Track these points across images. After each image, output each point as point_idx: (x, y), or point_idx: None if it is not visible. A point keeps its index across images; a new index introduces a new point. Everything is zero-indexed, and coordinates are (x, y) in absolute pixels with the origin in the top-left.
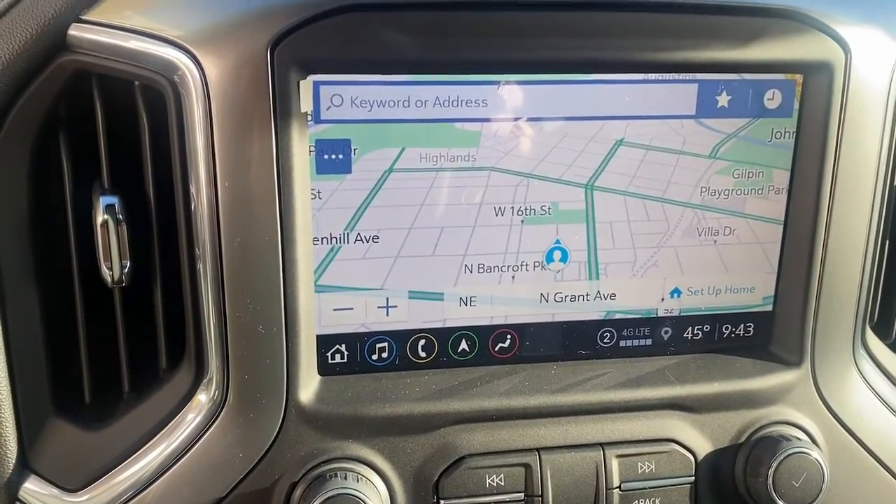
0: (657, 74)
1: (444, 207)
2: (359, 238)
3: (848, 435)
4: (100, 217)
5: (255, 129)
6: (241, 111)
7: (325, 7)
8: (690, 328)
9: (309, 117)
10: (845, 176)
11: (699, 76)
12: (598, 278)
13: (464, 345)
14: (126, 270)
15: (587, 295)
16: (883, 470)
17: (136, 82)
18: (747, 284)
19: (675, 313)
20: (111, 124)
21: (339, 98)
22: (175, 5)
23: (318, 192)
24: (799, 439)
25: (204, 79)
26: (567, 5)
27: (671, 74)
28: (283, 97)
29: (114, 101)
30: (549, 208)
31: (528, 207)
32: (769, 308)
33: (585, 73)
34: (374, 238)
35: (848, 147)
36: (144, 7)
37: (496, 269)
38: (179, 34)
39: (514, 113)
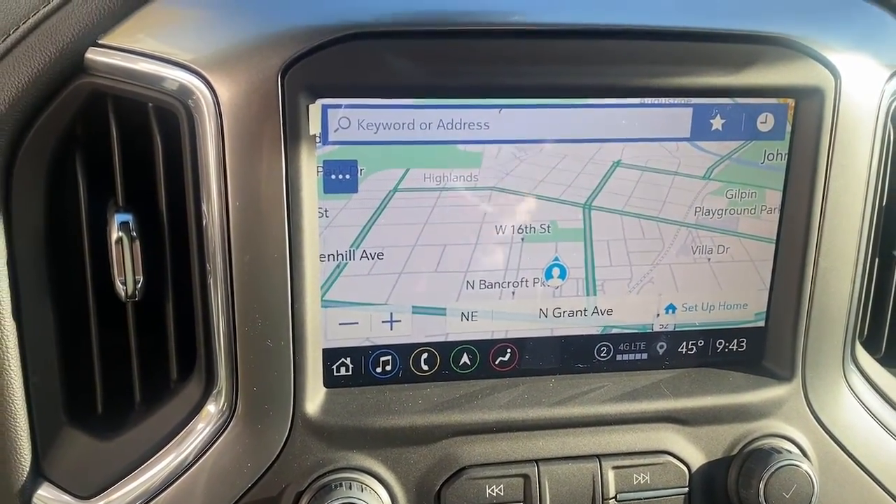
0: (653, 99)
1: (446, 226)
2: (364, 255)
3: (838, 448)
4: (114, 234)
5: (265, 150)
6: (252, 133)
7: (334, 35)
8: (685, 343)
9: (317, 139)
10: (836, 196)
11: (694, 101)
12: (595, 294)
13: (465, 358)
14: (139, 286)
15: (585, 310)
16: (872, 482)
17: (150, 104)
18: (740, 301)
19: (670, 328)
20: (126, 143)
21: (346, 121)
22: (189, 31)
23: (326, 211)
24: (790, 452)
25: (216, 102)
26: (566, 34)
27: (667, 99)
28: (292, 120)
29: (129, 121)
30: (548, 227)
31: (529, 226)
32: (761, 324)
33: (584, 97)
34: (380, 255)
35: (838, 168)
36: (159, 32)
37: (497, 285)
38: (193, 59)
39: (514, 135)
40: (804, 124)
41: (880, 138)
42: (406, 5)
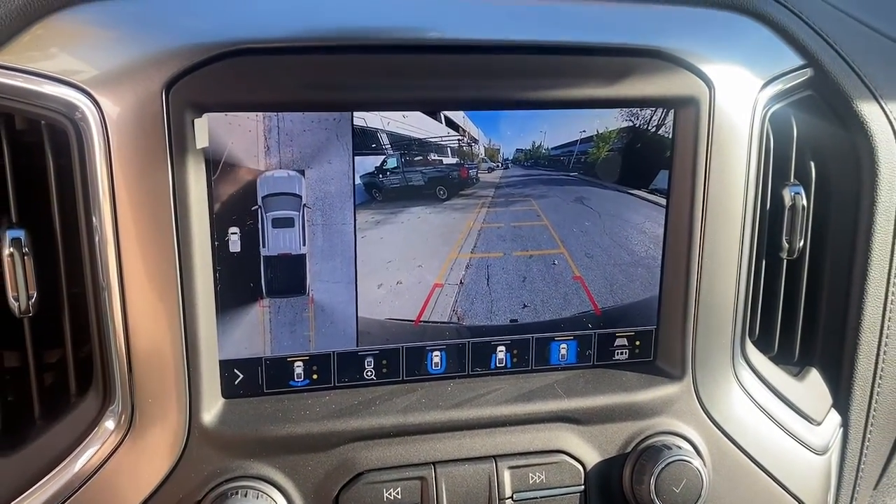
0: None
1: None
2: None
3: (729, 442)
4: (6, 250)
5: (151, 165)
6: (138, 149)
7: (215, 51)
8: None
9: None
10: (715, 201)
11: None
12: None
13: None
14: (33, 301)
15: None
16: (763, 474)
17: (43, 121)
18: None
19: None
20: (22, 159)
21: None
22: (76, 49)
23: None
24: (680, 448)
25: (103, 118)
26: (450, 49)
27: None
28: (178, 135)
29: (23, 138)
30: None
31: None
32: (653, 326)
33: (469, 109)
34: None
35: (716, 174)
36: (46, 50)
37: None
38: (79, 76)
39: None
40: (683, 132)
41: (757, 144)
42: (285, 22)
